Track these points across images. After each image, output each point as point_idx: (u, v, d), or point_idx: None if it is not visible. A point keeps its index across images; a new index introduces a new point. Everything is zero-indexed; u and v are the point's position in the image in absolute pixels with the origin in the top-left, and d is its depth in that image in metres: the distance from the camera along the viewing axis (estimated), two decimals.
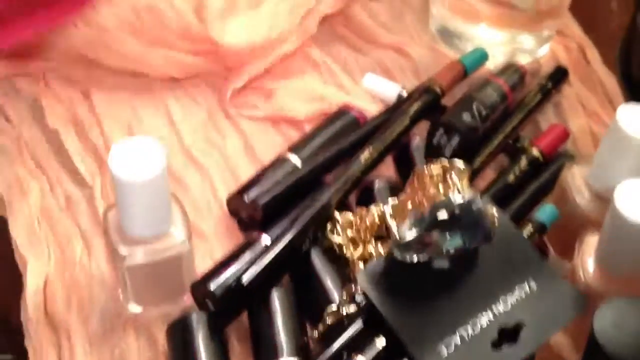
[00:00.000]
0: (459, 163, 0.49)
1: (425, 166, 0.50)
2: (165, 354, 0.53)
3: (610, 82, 0.70)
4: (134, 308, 0.54)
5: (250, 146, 0.65)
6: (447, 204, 0.47)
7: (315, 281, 0.55)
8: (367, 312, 0.50)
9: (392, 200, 0.51)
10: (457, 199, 0.48)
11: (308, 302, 0.54)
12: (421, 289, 0.50)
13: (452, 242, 0.49)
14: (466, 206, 0.48)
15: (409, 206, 0.48)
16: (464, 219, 0.48)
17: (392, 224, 0.49)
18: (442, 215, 0.47)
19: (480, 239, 0.49)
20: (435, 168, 0.49)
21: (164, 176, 0.49)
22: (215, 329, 0.52)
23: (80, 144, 0.64)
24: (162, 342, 0.53)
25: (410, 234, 0.48)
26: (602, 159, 0.53)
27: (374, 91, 0.70)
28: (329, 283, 0.54)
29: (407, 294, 0.50)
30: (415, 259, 0.49)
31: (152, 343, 0.54)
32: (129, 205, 0.49)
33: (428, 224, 0.48)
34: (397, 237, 0.48)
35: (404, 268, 0.50)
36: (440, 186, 0.48)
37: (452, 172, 0.49)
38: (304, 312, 0.53)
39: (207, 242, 0.59)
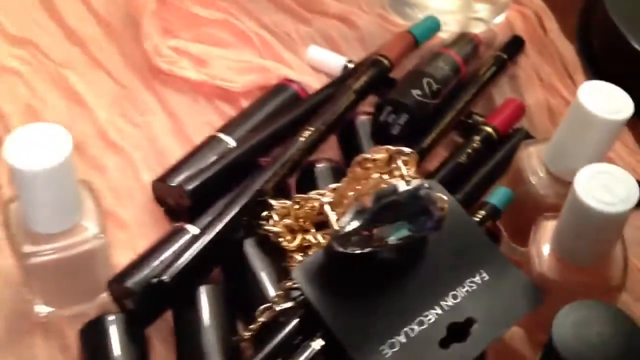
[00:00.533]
0: (406, 149, 0.44)
1: (367, 152, 0.45)
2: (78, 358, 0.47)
3: (569, 52, 0.65)
4: (43, 309, 0.48)
5: (180, 125, 0.59)
6: (392, 192, 0.42)
7: (248, 275, 0.49)
8: (304, 310, 0.45)
9: (331, 189, 0.46)
10: (402, 186, 0.43)
11: (240, 299, 0.49)
12: (363, 285, 0.45)
13: (397, 233, 0.44)
14: (412, 194, 0.43)
15: (350, 195, 0.43)
16: (409, 208, 0.43)
17: (332, 215, 0.44)
18: (386, 204, 0.42)
19: (428, 228, 0.45)
20: (379, 153, 0.44)
21: (69, 164, 0.42)
22: (134, 331, 0.46)
23: None
24: (74, 346, 0.48)
25: (352, 226, 0.43)
26: (562, 140, 0.49)
27: (317, 64, 0.64)
28: (264, 277, 0.49)
29: (348, 291, 0.44)
30: (357, 252, 0.44)
31: (64, 348, 0.48)
32: (30, 198, 0.43)
33: (371, 214, 0.43)
34: (337, 229, 0.43)
35: (345, 262, 0.45)
36: (384, 173, 0.43)
37: (398, 158, 0.44)
38: (236, 309, 0.48)
39: (128, 232, 0.53)
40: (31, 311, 0.48)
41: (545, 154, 0.50)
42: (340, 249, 0.44)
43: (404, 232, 0.44)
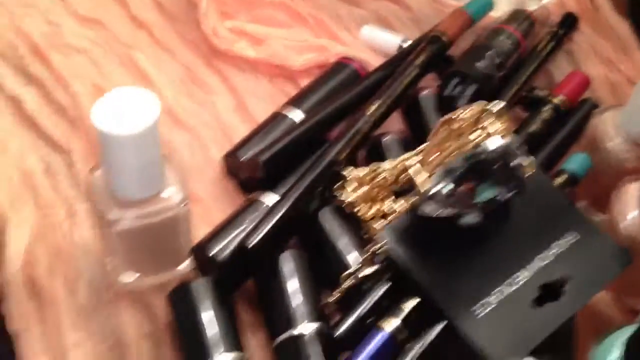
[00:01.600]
0: (496, 104, 0.44)
1: (454, 112, 0.44)
2: (166, 325, 0.47)
3: (623, 28, 0.66)
4: (126, 278, 0.48)
5: (242, 103, 0.59)
6: (480, 153, 0.42)
7: (326, 243, 0.49)
8: (391, 273, 0.45)
9: (415, 152, 0.46)
10: (492, 145, 0.42)
11: (319, 266, 0.48)
12: (451, 247, 0.45)
13: (483, 194, 0.44)
14: (501, 153, 0.43)
15: (435, 156, 0.43)
16: (497, 169, 0.43)
17: (418, 177, 0.44)
18: (474, 164, 0.42)
19: (514, 190, 0.44)
20: (467, 112, 0.43)
21: (155, 128, 0.42)
22: (221, 296, 0.46)
23: (46, 107, 0.57)
24: (161, 314, 0.48)
25: (439, 187, 0.43)
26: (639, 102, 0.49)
27: (372, 43, 0.64)
28: (341, 245, 0.49)
29: (436, 253, 0.44)
30: (443, 214, 0.44)
31: (151, 315, 0.48)
32: (117, 164, 0.43)
33: (458, 175, 0.42)
34: (423, 191, 0.43)
35: (432, 224, 0.45)
36: (472, 133, 0.42)
37: (485, 116, 0.43)
38: (315, 276, 0.48)
39: (203, 206, 0.53)
40: (115, 281, 0.48)
41: (621, 119, 0.50)
42: (428, 211, 0.44)
43: (490, 194, 0.44)
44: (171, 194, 0.45)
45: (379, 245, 0.45)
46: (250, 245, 0.46)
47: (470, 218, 0.44)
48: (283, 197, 0.49)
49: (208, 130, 0.57)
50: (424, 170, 0.44)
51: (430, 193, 0.43)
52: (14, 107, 0.57)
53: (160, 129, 0.55)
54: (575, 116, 0.55)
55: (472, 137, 0.44)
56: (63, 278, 0.49)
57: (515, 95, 0.58)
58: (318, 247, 0.49)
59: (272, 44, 0.62)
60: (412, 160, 0.45)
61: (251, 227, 0.47)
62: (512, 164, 0.43)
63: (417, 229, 0.45)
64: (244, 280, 0.48)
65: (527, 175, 0.46)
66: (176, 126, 0.58)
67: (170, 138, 0.57)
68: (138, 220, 0.45)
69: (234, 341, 0.44)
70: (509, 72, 0.58)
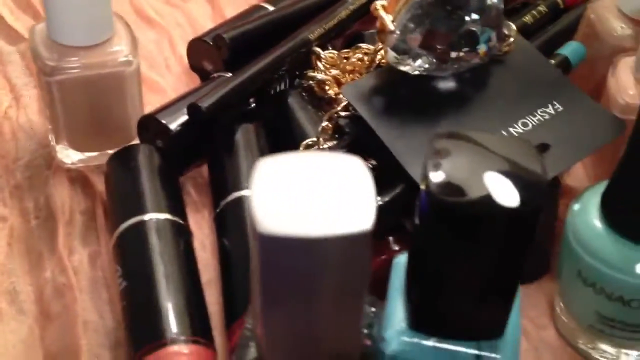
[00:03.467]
0: None
1: None
2: (103, 198, 0.43)
3: None
4: (67, 156, 0.44)
5: (220, 10, 0.56)
6: None
7: (290, 122, 0.45)
8: (353, 136, 0.40)
9: None
10: None
11: (281, 143, 0.44)
12: (420, 109, 0.40)
13: (455, 29, 0.39)
14: None
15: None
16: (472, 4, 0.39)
17: (386, 17, 0.39)
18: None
19: (490, 43, 0.40)
20: None
21: None
22: (165, 165, 0.42)
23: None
24: (101, 191, 0.43)
25: (409, 23, 0.38)
26: None
27: None
28: (306, 123, 0.44)
29: (403, 114, 0.40)
30: (414, 67, 0.40)
31: (90, 193, 0.44)
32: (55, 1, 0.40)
33: (429, 4, 0.38)
34: (392, 29, 0.39)
35: (402, 84, 0.41)
36: None
37: None
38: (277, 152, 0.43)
39: (165, 97, 0.48)
40: (56, 161, 0.44)
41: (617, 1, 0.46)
42: (393, 62, 0.39)
43: (464, 33, 0.39)
44: (118, 49, 0.42)
45: (340, 106, 0.41)
46: (205, 107, 0.42)
47: (444, 84, 0.40)
48: (246, 68, 0.45)
49: (178, 29, 0.54)
50: (391, 8, 0.40)
51: (398, 32, 0.39)
52: None
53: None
54: (572, 13, 0.51)
55: None
56: (1, 158, 0.45)
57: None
58: (282, 126, 0.45)
59: None
60: (378, 2, 0.41)
61: (206, 92, 0.43)
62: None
63: (385, 89, 0.41)
64: (194, 158, 0.44)
65: (510, 41, 0.43)
66: (147, 25, 0.54)
67: (138, 35, 0.53)
68: (80, 71, 0.41)
69: (173, 206, 0.40)
70: None
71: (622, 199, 0.33)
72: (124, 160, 0.41)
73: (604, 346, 0.36)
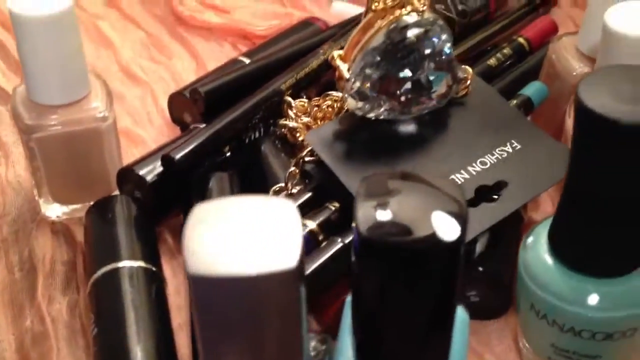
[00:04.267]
0: None
1: None
2: (84, 252, 0.44)
3: None
4: (52, 210, 0.46)
5: (203, 65, 0.58)
6: (402, 27, 0.40)
7: (263, 169, 0.47)
8: (318, 180, 0.42)
9: (341, 44, 0.44)
10: (413, 19, 0.40)
11: (255, 189, 0.46)
12: (381, 152, 0.42)
13: (408, 74, 0.41)
14: (425, 26, 0.40)
15: (361, 43, 0.41)
16: (424, 46, 0.40)
17: (343, 65, 0.41)
18: (397, 44, 0.40)
19: (441, 74, 0.41)
20: None
21: (72, 16, 0.41)
22: (145, 216, 0.43)
23: None
24: (82, 241, 0.45)
25: (364, 70, 0.40)
26: (592, 16, 0.46)
27: (341, 17, 0.64)
28: (279, 170, 0.46)
29: (364, 157, 0.41)
30: (371, 110, 0.41)
31: (71, 244, 0.45)
32: (33, 57, 0.41)
33: (382, 51, 0.40)
34: (348, 77, 0.41)
35: (363, 129, 0.42)
36: (396, 12, 0.40)
37: None
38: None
39: (146, 149, 0.51)
40: (40, 214, 0.46)
41: (578, 38, 0.47)
42: (352, 107, 0.41)
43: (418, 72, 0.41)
44: (95, 106, 0.44)
45: (305, 151, 0.43)
46: (177, 158, 0.44)
47: (405, 127, 0.42)
48: (219, 119, 0.47)
49: (162, 84, 0.56)
50: (348, 58, 0.42)
51: (354, 79, 0.41)
52: None
53: (112, 84, 0.56)
54: (537, 54, 0.52)
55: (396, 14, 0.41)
56: None
57: (476, 45, 0.55)
58: (255, 173, 0.47)
59: (238, 12, 0.62)
60: (337, 51, 0.42)
61: (181, 143, 0.45)
62: (439, 43, 0.41)
63: (347, 135, 0.42)
64: (171, 207, 0.46)
65: (467, 84, 0.44)
66: (131, 81, 0.57)
67: (124, 92, 0.56)
68: (58, 128, 0.43)
69: (147, 253, 0.41)
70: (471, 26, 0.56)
71: (567, 232, 0.34)
72: (101, 211, 0.43)
73: None
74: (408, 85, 0.40)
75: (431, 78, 0.41)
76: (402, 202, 0.27)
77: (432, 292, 0.27)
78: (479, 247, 0.41)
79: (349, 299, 0.33)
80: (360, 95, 0.41)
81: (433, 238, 0.26)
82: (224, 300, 0.25)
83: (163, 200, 0.46)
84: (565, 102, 0.47)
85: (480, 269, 0.39)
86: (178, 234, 0.46)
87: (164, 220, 0.46)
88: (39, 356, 0.39)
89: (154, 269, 0.41)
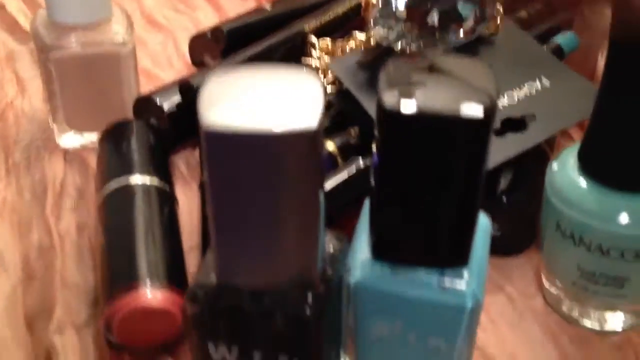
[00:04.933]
0: None
1: None
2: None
3: None
4: (66, 139, 0.45)
5: (226, 16, 0.58)
6: None
7: None
8: (339, 108, 0.41)
9: None
10: None
11: None
12: None
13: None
14: None
15: None
16: None
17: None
18: None
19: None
20: None
21: None
22: (160, 139, 0.42)
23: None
24: (93, 170, 0.44)
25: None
26: None
27: None
28: None
29: None
30: (397, 40, 0.40)
31: (83, 171, 0.45)
32: None
33: None
34: (375, 1, 0.39)
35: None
36: None
37: None
38: None
39: None
40: (54, 142, 0.46)
41: None
42: (380, 32, 0.40)
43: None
44: (115, 30, 0.43)
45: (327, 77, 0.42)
46: (196, 83, 0.43)
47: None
48: (238, 54, 0.46)
49: (184, 32, 0.56)
50: None
51: (378, 7, 0.39)
52: None
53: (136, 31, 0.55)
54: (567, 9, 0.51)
55: None
56: (3, 140, 0.47)
57: None
58: None
59: None
60: None
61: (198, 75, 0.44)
62: None
63: (370, 63, 0.41)
64: (185, 140, 0.45)
65: (498, 23, 0.43)
66: (153, 28, 0.56)
67: (146, 38, 0.55)
68: (77, 49, 0.42)
69: (160, 172, 0.40)
70: None
71: (599, 147, 0.33)
72: (116, 133, 0.42)
73: (589, 310, 0.35)
74: (436, 14, 0.39)
75: (460, 9, 0.40)
76: (428, 91, 0.26)
77: (458, 170, 0.26)
78: (504, 184, 0.39)
79: (366, 201, 0.31)
80: (386, 22, 0.40)
81: (462, 112, 0.24)
82: (239, 159, 0.24)
83: (179, 131, 0.45)
84: (595, 53, 0.46)
85: (505, 200, 0.38)
86: (192, 164, 0.45)
87: (179, 148, 0.45)
88: (43, 268, 0.38)
89: (166, 187, 0.39)
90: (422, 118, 0.24)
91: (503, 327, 0.37)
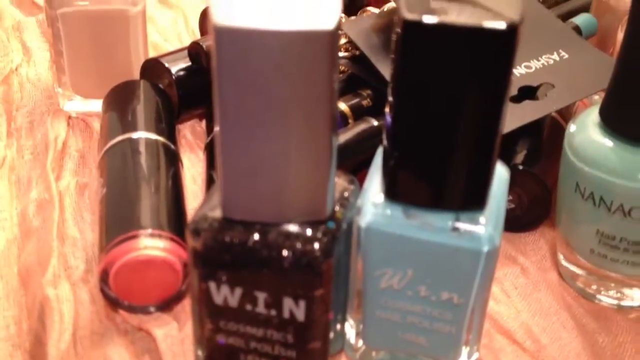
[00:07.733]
0: None
1: None
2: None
3: None
4: (70, 105, 0.44)
5: None
6: None
7: None
8: (351, 71, 0.40)
9: None
10: None
11: None
12: None
13: None
14: None
15: None
16: None
17: None
18: None
19: None
20: None
21: None
22: (166, 101, 0.41)
23: None
24: (98, 131, 0.43)
25: None
26: None
27: None
28: None
29: None
30: None
31: (86, 135, 0.43)
32: None
33: None
34: None
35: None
36: None
37: None
38: None
39: None
40: (58, 107, 0.45)
41: None
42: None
43: None
44: None
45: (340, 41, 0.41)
46: (205, 44, 0.42)
47: None
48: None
49: (195, 11, 0.55)
50: None
51: None
52: None
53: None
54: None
55: None
56: (6, 105, 0.46)
57: None
58: None
59: None
60: None
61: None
62: None
63: (383, 27, 0.40)
64: (192, 107, 0.44)
65: None
66: (163, 5, 0.56)
67: (157, 15, 0.55)
68: (86, 4, 0.41)
69: (165, 131, 0.39)
70: None
71: (622, 102, 0.31)
72: (122, 91, 0.41)
73: (607, 284, 0.34)
74: None
75: None
76: (450, 11, 0.25)
77: (479, 92, 0.24)
78: (519, 157, 0.38)
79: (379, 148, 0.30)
80: None
81: (484, 25, 0.23)
82: (250, 62, 0.23)
83: (187, 98, 0.44)
84: (613, 36, 0.45)
85: (521, 167, 0.37)
86: (198, 132, 0.44)
87: (186, 120, 0.44)
88: (41, 222, 0.37)
89: (170, 145, 0.38)
90: (444, 29, 0.23)
91: (516, 298, 0.35)
